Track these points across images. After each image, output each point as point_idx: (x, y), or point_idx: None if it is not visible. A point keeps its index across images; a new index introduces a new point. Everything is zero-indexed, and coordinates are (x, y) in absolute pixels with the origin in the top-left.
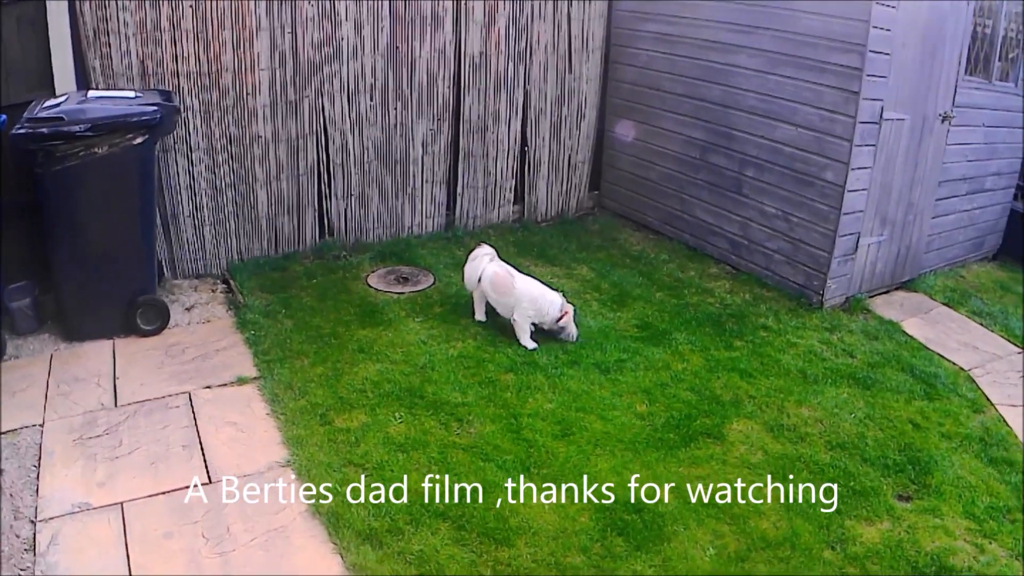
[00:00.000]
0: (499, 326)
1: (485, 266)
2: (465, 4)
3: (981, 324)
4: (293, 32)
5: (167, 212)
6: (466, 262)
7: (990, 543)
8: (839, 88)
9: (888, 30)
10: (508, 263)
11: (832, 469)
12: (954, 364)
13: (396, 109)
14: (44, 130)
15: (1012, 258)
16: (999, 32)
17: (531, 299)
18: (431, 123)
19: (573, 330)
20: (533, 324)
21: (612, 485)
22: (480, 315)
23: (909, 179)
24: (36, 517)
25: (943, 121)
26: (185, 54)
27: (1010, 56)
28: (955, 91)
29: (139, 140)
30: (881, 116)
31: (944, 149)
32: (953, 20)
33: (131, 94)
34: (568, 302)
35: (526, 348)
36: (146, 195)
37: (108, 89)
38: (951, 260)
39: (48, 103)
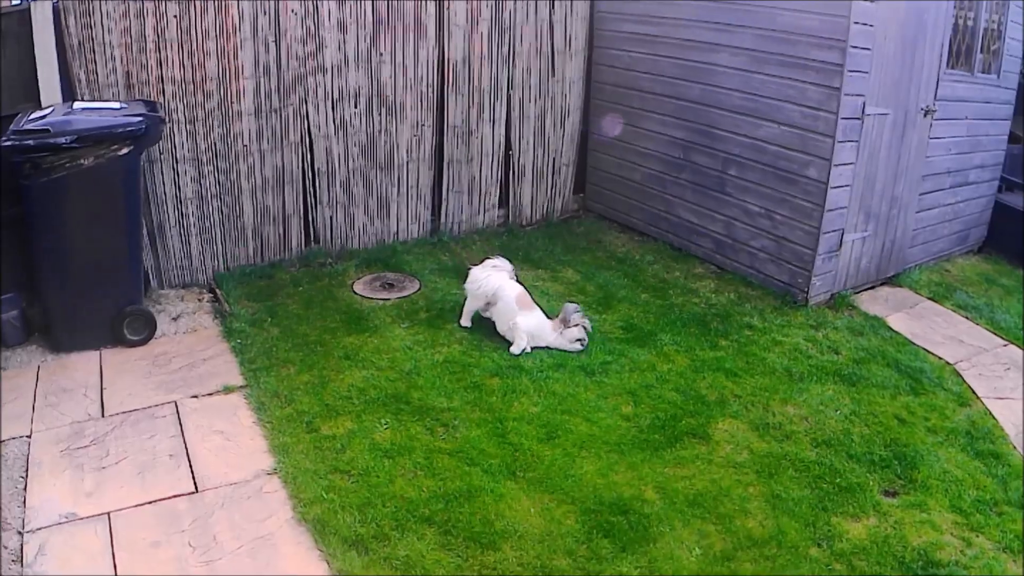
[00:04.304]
0: (484, 331)
1: (504, 283)
2: (448, 9)
3: (966, 317)
4: (277, 40)
5: (153, 222)
6: (474, 267)
7: (977, 536)
8: (820, 85)
9: (869, 25)
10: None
11: (818, 466)
12: (940, 358)
13: (380, 115)
14: (30, 142)
15: (997, 251)
16: (980, 24)
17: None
18: (415, 129)
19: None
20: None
21: (598, 487)
22: (467, 321)
23: (892, 174)
24: (24, 528)
25: (925, 115)
26: (170, 64)
27: (992, 48)
28: (937, 84)
29: (124, 151)
30: (863, 111)
31: (927, 143)
32: (934, 13)
33: (116, 105)
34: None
35: (513, 354)
36: (132, 205)
37: (93, 100)
38: (936, 254)
39: (34, 115)
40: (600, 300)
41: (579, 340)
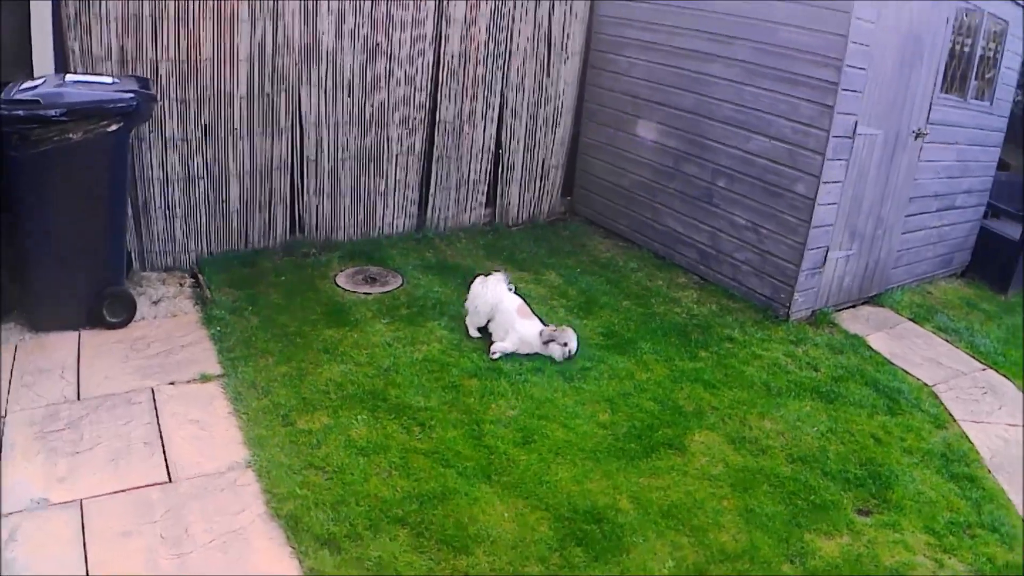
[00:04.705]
0: (465, 330)
1: (503, 295)
2: (446, 5)
3: (946, 340)
4: (274, 25)
5: (138, 203)
6: (473, 283)
7: (950, 558)
8: (814, 101)
9: (866, 45)
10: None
11: (792, 482)
12: (918, 379)
13: (372, 107)
14: (20, 112)
15: (980, 276)
16: (977, 51)
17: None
18: (407, 123)
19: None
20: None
21: (572, 494)
22: (475, 332)
23: (880, 194)
24: None
25: (916, 138)
26: (165, 41)
27: (987, 76)
28: (930, 108)
29: (114, 127)
30: (855, 131)
31: (916, 165)
32: (931, 37)
33: (108, 80)
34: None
35: (492, 358)
36: (118, 184)
37: (86, 73)
38: (919, 276)
39: (25, 85)
40: (581, 305)
41: (568, 352)
